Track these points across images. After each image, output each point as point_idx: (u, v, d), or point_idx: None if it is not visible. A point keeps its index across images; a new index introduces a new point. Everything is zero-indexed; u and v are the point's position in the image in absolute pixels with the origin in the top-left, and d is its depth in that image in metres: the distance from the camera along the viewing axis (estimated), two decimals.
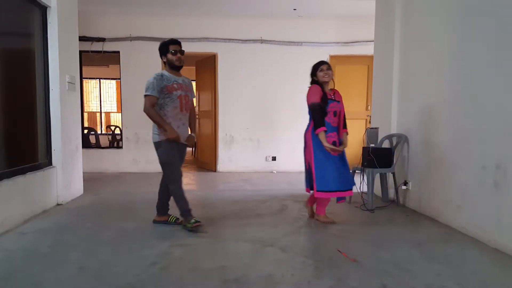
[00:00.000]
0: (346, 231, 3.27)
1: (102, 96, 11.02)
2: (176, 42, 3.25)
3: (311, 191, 3.45)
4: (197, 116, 6.80)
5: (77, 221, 3.58)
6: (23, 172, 3.54)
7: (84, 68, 6.71)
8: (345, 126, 3.46)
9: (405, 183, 4.15)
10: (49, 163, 4.09)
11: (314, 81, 3.40)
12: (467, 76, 3.22)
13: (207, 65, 6.94)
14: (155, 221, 3.44)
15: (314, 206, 3.61)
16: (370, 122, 5.80)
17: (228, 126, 6.78)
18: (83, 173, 4.80)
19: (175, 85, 3.20)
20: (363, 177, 4.04)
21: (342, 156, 3.43)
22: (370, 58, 5.54)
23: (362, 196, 4.11)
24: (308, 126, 3.41)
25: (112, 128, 8.76)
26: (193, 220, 3.18)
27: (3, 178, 3.23)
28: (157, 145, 3.22)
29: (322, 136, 3.26)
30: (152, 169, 6.61)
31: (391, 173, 4.18)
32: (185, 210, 3.24)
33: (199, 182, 5.94)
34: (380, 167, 3.99)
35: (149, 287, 2.18)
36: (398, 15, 4.33)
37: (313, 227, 3.41)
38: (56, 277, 2.30)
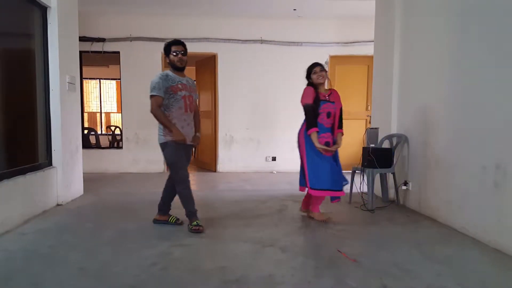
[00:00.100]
0: (346, 231, 3.27)
1: (102, 97, 11.01)
2: (178, 43, 3.24)
3: (306, 189, 3.47)
4: None
5: (77, 221, 3.58)
6: (23, 172, 3.54)
7: (84, 69, 6.71)
8: (341, 127, 3.47)
9: (405, 183, 4.15)
10: (49, 163, 4.09)
11: (310, 83, 3.46)
12: (467, 76, 3.22)
13: (207, 65, 6.94)
14: (155, 220, 3.44)
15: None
16: (370, 122, 5.80)
17: (228, 126, 6.78)
18: (83, 173, 4.80)
19: (179, 86, 3.20)
20: (363, 177, 4.04)
21: (334, 156, 3.46)
22: (370, 58, 5.54)
23: (362, 196, 4.12)
24: (302, 126, 3.47)
25: (112, 128, 8.76)
26: (195, 223, 3.18)
27: (3, 178, 3.23)
28: (163, 146, 3.21)
29: (313, 137, 3.33)
30: (152, 169, 6.63)
31: (391, 173, 4.18)
32: (190, 212, 3.24)
33: (199, 182, 5.94)
34: (380, 167, 3.99)
35: (149, 287, 2.18)
36: (398, 15, 4.33)
37: (313, 227, 3.40)
38: (56, 277, 2.31)
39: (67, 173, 4.26)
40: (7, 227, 3.18)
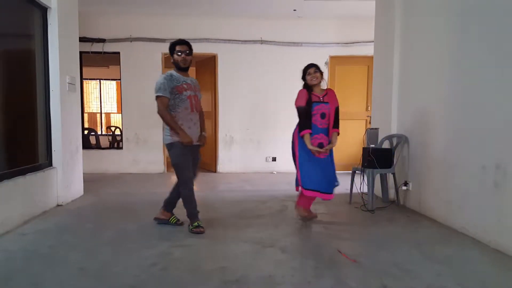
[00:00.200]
0: (346, 232, 3.27)
1: (102, 97, 11.01)
2: (182, 42, 3.23)
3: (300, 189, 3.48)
4: None
5: (77, 221, 3.58)
6: (23, 173, 3.54)
7: (84, 69, 6.72)
8: (336, 126, 3.44)
9: (405, 184, 4.15)
10: (49, 163, 4.09)
11: (306, 84, 3.46)
12: (467, 76, 3.22)
13: (207, 65, 6.94)
14: (156, 219, 3.43)
15: (312, 207, 3.63)
16: (370, 122, 5.80)
17: (228, 127, 6.78)
18: (83, 173, 4.80)
19: (184, 85, 3.19)
20: (363, 178, 4.04)
21: (329, 157, 3.45)
22: (370, 58, 5.54)
23: (362, 197, 4.12)
24: (296, 126, 3.49)
25: (112, 128, 8.77)
26: (196, 224, 3.18)
27: (4, 178, 3.23)
28: (169, 146, 3.19)
29: (306, 139, 3.33)
30: (152, 170, 6.63)
31: (391, 173, 4.18)
32: (191, 213, 3.23)
33: (199, 182, 5.93)
34: (380, 167, 3.99)
35: (149, 287, 2.18)
36: (398, 15, 4.33)
37: (313, 228, 3.41)
38: (56, 277, 2.31)
39: (67, 173, 4.26)
40: (7, 227, 3.19)
